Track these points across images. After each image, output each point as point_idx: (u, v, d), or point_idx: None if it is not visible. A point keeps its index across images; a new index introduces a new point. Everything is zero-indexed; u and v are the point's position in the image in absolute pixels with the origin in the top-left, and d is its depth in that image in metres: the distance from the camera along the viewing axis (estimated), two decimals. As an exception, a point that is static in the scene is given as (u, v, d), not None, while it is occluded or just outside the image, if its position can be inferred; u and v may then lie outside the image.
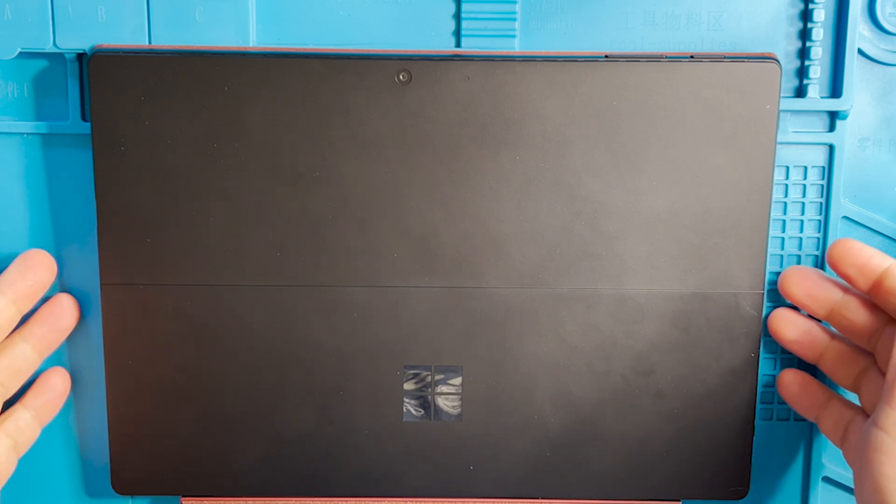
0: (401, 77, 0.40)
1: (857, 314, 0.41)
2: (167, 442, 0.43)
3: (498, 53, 0.41)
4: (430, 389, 0.43)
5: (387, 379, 0.43)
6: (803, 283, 0.42)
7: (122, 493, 0.44)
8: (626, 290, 0.42)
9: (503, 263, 0.42)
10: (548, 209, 0.41)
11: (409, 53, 0.41)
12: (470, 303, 0.42)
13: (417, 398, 0.43)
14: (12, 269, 0.42)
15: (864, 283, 0.40)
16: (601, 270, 0.42)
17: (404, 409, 0.43)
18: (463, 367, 0.43)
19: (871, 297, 0.41)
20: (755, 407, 0.43)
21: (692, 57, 0.41)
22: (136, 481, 0.44)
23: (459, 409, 0.43)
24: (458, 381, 0.43)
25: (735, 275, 0.42)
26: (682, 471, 0.44)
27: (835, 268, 0.41)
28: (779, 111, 0.41)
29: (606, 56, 0.41)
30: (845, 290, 0.42)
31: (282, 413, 0.43)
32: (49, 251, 0.44)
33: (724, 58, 0.41)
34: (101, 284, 0.42)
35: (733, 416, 0.43)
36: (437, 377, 0.43)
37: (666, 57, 0.41)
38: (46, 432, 0.45)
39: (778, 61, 0.41)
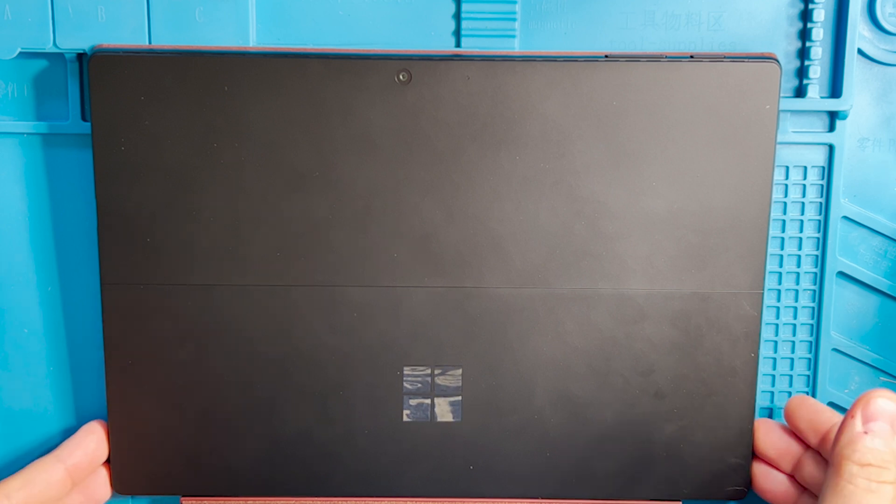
0: (401, 77, 0.40)
1: (816, 469, 0.42)
2: (167, 441, 0.43)
3: (498, 53, 0.41)
4: (429, 389, 0.43)
5: (387, 379, 0.43)
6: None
7: (121, 493, 0.44)
8: (626, 290, 0.42)
9: (503, 263, 0.42)
10: (548, 209, 0.41)
11: (409, 53, 0.41)
12: (470, 303, 0.42)
13: (417, 398, 0.43)
14: (73, 439, 0.43)
15: (814, 438, 0.41)
16: (601, 270, 0.42)
17: (404, 409, 0.43)
18: (463, 366, 0.43)
19: (822, 453, 0.41)
20: (755, 407, 0.43)
21: (692, 57, 0.41)
22: (135, 481, 0.44)
23: (459, 410, 0.43)
24: (457, 381, 0.43)
25: (735, 275, 0.42)
26: (683, 471, 0.44)
27: (789, 422, 0.42)
28: (779, 111, 0.41)
29: (606, 56, 0.41)
30: (807, 446, 0.43)
31: (282, 413, 0.43)
32: (49, 251, 0.44)
33: (724, 58, 0.41)
34: (102, 284, 0.42)
35: (733, 417, 0.43)
36: (437, 377, 0.43)
37: (666, 57, 0.41)
38: (47, 431, 0.46)
39: (778, 61, 0.41)
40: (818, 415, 0.41)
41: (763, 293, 0.42)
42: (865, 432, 0.36)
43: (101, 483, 0.44)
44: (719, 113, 0.41)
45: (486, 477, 0.44)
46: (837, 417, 0.41)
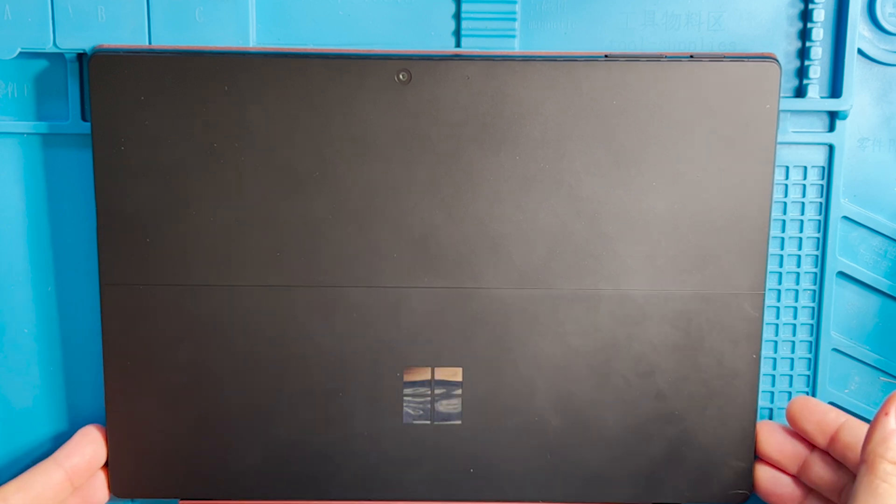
0: (401, 77, 0.40)
1: (824, 470, 0.41)
2: (165, 444, 0.43)
3: (498, 53, 0.41)
4: (429, 391, 0.43)
5: (386, 380, 0.43)
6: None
7: (119, 496, 0.44)
8: (627, 290, 0.42)
9: (503, 264, 0.42)
10: (548, 209, 0.41)
11: (409, 53, 0.41)
12: (470, 303, 0.42)
13: (417, 400, 0.43)
14: (70, 443, 0.43)
15: (822, 439, 0.41)
16: (601, 271, 0.42)
17: (404, 411, 0.43)
18: (463, 368, 0.43)
19: (831, 453, 0.41)
20: (757, 409, 0.43)
21: (692, 57, 0.41)
22: (133, 484, 0.43)
23: (460, 411, 0.43)
24: (458, 382, 0.43)
25: (736, 275, 0.42)
26: (684, 474, 0.43)
27: (793, 424, 0.42)
28: (779, 111, 0.41)
29: (606, 56, 0.41)
30: (812, 447, 0.42)
31: (281, 415, 0.43)
32: (49, 251, 0.44)
33: (724, 57, 0.41)
34: (101, 284, 0.42)
35: (735, 419, 0.43)
36: (437, 379, 0.43)
37: (665, 57, 0.41)
38: (45, 433, 0.45)
39: (777, 61, 0.41)
40: (824, 415, 0.41)
41: (764, 294, 0.42)
42: None
43: (100, 487, 0.43)
44: (719, 113, 0.41)
45: (487, 480, 0.44)
46: (844, 417, 0.41)
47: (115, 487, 0.43)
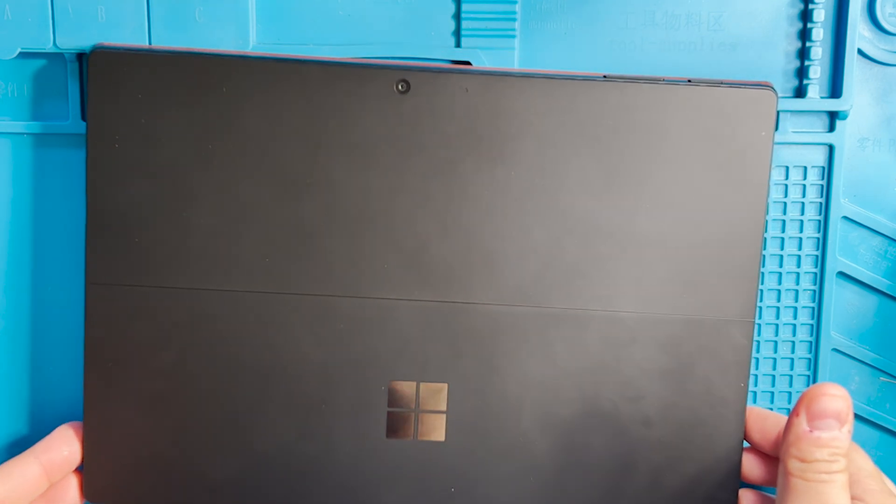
0: (399, 87, 0.40)
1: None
2: (142, 450, 0.42)
3: (497, 70, 0.41)
4: (413, 407, 0.42)
5: (370, 394, 0.42)
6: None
7: (92, 501, 0.42)
8: (617, 311, 0.41)
9: (494, 279, 0.41)
10: (541, 226, 0.41)
11: (408, 65, 0.41)
12: (459, 318, 0.41)
13: (400, 415, 0.42)
14: (49, 438, 0.41)
15: (767, 446, 0.41)
16: (592, 290, 0.41)
17: (386, 426, 0.42)
18: (449, 384, 0.42)
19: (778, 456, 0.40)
20: (742, 440, 0.42)
21: (689, 81, 0.41)
22: (107, 490, 0.42)
23: (443, 429, 0.42)
24: (443, 398, 0.42)
25: (726, 302, 0.41)
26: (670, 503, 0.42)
27: (747, 438, 0.42)
28: (773, 143, 0.40)
29: (605, 77, 0.40)
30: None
31: (261, 426, 0.42)
32: (49, 252, 0.44)
33: (721, 83, 0.40)
34: (87, 283, 0.41)
35: (721, 448, 0.42)
36: (422, 394, 0.42)
37: (664, 80, 0.40)
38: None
39: (774, 90, 0.40)
40: (764, 421, 0.41)
41: (755, 322, 0.41)
42: (811, 430, 0.36)
43: (71, 490, 0.42)
44: (715, 138, 0.40)
45: (469, 501, 0.42)
46: (783, 419, 0.40)
47: (88, 492, 0.42)
